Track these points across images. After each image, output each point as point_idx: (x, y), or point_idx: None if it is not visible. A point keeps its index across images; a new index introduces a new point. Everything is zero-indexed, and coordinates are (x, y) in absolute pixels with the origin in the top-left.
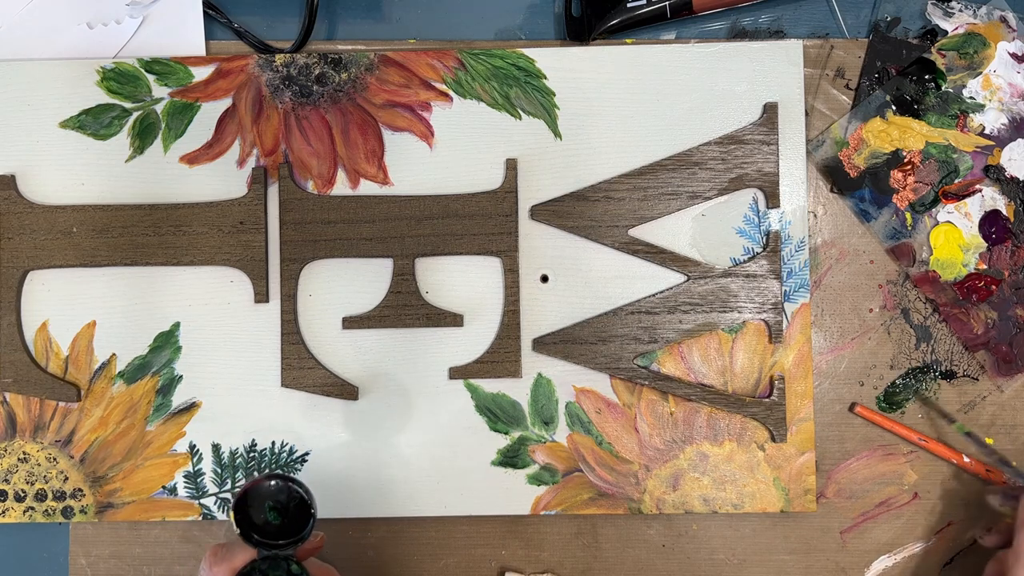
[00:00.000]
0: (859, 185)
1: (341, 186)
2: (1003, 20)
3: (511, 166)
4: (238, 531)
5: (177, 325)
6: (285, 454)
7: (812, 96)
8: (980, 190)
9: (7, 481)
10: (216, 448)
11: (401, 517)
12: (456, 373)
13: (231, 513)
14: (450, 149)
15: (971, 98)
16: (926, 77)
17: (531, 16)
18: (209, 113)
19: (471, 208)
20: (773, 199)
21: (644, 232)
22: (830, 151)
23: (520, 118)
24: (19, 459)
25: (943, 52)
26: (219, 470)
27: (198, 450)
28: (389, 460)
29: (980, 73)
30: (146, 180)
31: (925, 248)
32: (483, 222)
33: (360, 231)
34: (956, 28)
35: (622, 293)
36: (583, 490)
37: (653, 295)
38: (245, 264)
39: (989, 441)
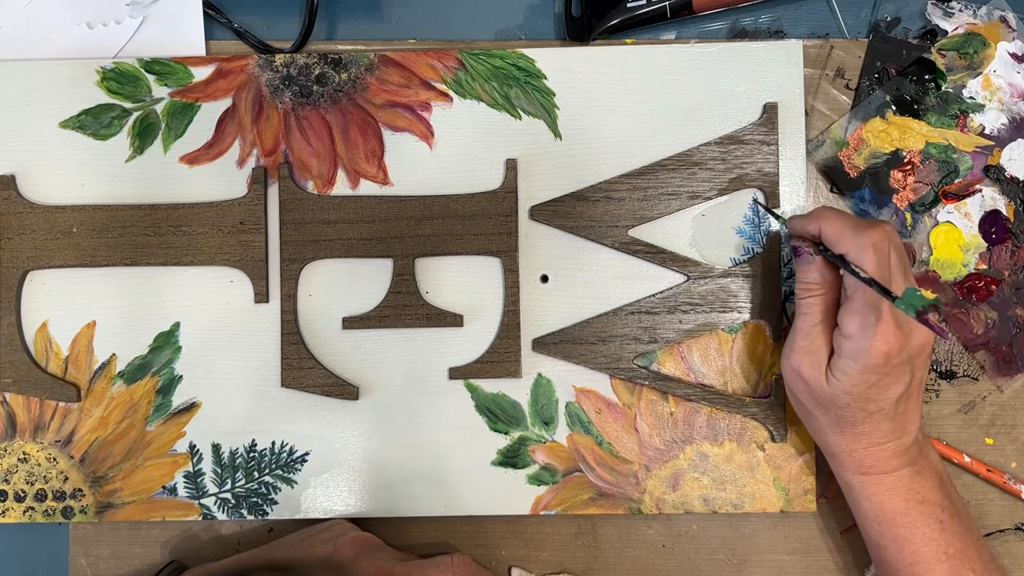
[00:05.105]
0: (859, 185)
1: (341, 186)
2: (1003, 20)
3: (511, 166)
4: None
5: (177, 325)
6: (285, 454)
7: (812, 96)
8: (980, 190)
9: (7, 481)
10: (216, 448)
11: (401, 517)
12: (456, 373)
13: None
14: (450, 149)
15: (971, 98)
16: (926, 77)
17: (531, 16)
18: (209, 113)
19: (471, 208)
20: (773, 199)
21: (644, 232)
22: (830, 151)
23: (520, 118)
24: (19, 459)
25: (943, 52)
26: (219, 470)
27: (198, 450)
28: (389, 460)
29: (980, 73)
30: (146, 180)
31: (925, 248)
32: (483, 222)
33: (360, 231)
34: (956, 28)
35: (622, 293)
36: (583, 490)
37: (653, 295)
38: (245, 264)
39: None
